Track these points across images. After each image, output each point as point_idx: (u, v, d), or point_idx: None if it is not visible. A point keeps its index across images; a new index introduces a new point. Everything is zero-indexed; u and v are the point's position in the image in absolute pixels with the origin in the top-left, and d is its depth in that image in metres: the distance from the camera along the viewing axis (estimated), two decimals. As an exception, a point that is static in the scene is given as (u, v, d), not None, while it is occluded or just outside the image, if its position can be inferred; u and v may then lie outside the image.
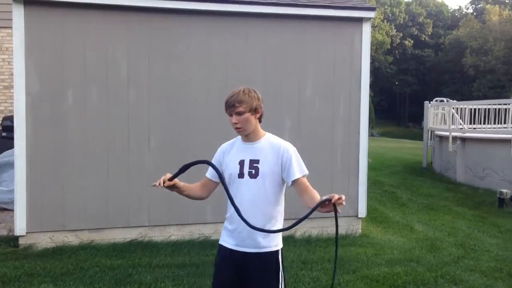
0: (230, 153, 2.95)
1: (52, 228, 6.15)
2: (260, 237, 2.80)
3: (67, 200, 6.15)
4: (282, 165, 2.82)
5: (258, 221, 2.74)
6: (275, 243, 2.85)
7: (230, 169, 2.89)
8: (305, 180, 2.83)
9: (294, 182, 2.79)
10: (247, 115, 2.79)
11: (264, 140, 2.88)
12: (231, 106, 2.79)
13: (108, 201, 6.29)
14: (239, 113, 2.77)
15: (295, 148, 2.88)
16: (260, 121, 2.88)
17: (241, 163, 2.85)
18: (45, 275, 5.05)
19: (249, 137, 2.87)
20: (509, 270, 5.60)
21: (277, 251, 2.86)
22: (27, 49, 5.96)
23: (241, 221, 2.67)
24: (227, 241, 2.90)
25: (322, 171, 6.96)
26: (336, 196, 2.47)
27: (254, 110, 2.81)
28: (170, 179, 2.90)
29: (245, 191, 2.82)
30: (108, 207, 6.30)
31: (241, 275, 2.83)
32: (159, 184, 2.85)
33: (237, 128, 2.83)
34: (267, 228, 2.78)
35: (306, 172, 2.84)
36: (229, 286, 2.88)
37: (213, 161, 3.00)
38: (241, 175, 2.84)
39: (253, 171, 2.82)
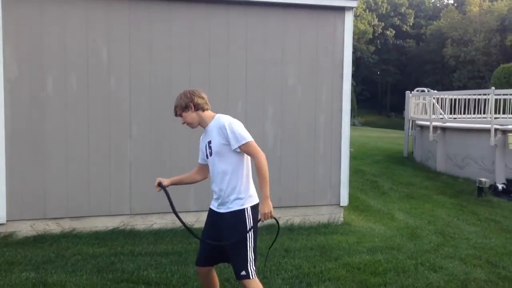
0: (202, 140, 3.66)
1: (33, 216, 6.08)
2: (217, 203, 3.52)
3: (47, 188, 6.08)
4: (226, 139, 3.40)
5: (225, 189, 3.45)
6: (241, 203, 3.44)
7: (201, 156, 3.68)
8: (245, 147, 3.40)
9: (237, 150, 3.41)
10: (184, 114, 3.52)
11: (212, 123, 3.52)
12: (174, 113, 3.58)
13: (89, 189, 6.23)
14: (179, 115, 3.54)
15: (232, 121, 3.45)
16: (202, 111, 3.52)
17: (206, 146, 3.56)
18: (26, 263, 5.00)
19: (202, 124, 3.57)
20: (487, 257, 5.71)
21: (243, 210, 3.44)
22: (5, 36, 5.84)
23: (219, 191, 3.48)
24: (212, 204, 3.62)
25: (305, 159, 6.98)
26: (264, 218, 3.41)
27: (185, 108, 3.49)
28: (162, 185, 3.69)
29: (212, 167, 3.54)
30: (90, 195, 6.24)
31: (217, 229, 3.52)
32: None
33: (187, 125, 3.59)
34: (236, 192, 3.44)
35: (244, 141, 3.38)
36: (209, 234, 3.59)
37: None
38: (208, 155, 3.55)
39: (210, 150, 3.51)
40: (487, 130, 10.66)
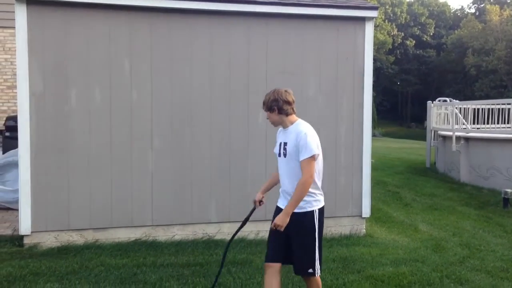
0: (278, 136, 3.94)
1: (57, 228, 6.15)
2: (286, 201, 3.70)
3: (71, 199, 6.15)
4: (298, 147, 3.64)
5: (290, 190, 3.70)
6: (303, 206, 3.69)
7: (276, 149, 3.90)
8: (305, 161, 3.61)
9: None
10: (267, 113, 3.82)
11: (293, 126, 3.77)
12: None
13: (112, 201, 6.28)
14: (265, 111, 3.83)
15: (310, 132, 3.70)
16: (286, 115, 3.77)
17: (281, 144, 3.82)
18: (51, 274, 5.04)
19: (282, 126, 3.85)
20: (514, 269, 5.58)
21: (312, 212, 3.72)
22: (30, 49, 5.95)
23: (285, 192, 3.80)
24: (279, 202, 3.90)
25: (326, 170, 6.91)
26: (273, 226, 3.67)
27: (270, 108, 3.76)
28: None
29: (281, 167, 3.82)
30: (112, 207, 6.29)
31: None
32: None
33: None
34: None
35: (308, 155, 3.60)
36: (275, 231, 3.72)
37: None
38: (281, 155, 3.80)
39: (284, 152, 3.76)
40: (512, 140, 10.48)
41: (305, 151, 3.59)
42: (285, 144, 3.74)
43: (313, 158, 3.60)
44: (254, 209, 4.09)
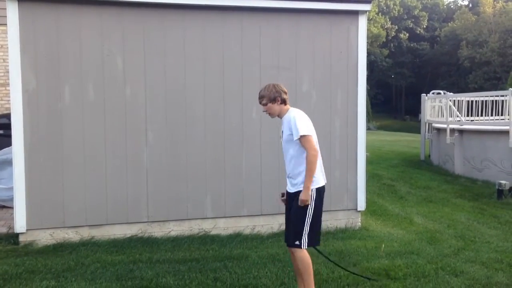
0: (282, 126, 4.24)
1: (52, 225, 6.14)
2: (289, 184, 4.17)
3: (66, 196, 6.14)
4: (291, 130, 3.99)
5: (292, 171, 4.09)
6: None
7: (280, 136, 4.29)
8: (301, 140, 3.96)
9: (297, 141, 3.98)
10: (269, 105, 4.13)
11: (286, 115, 4.14)
12: (258, 100, 4.19)
13: (107, 197, 6.28)
14: (264, 104, 4.15)
15: (297, 115, 4.02)
16: (284, 104, 4.13)
17: (282, 133, 4.20)
18: (47, 271, 5.03)
19: (279, 116, 4.18)
20: (509, 261, 5.60)
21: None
22: (22, 46, 5.92)
23: (289, 173, 4.15)
24: (287, 186, 4.25)
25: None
26: (300, 203, 3.98)
27: (273, 100, 4.10)
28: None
29: (283, 152, 4.19)
30: (107, 203, 6.28)
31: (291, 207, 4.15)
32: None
33: (267, 114, 4.20)
34: (301, 176, 4.01)
35: (300, 134, 3.94)
36: (287, 213, 4.26)
37: None
38: (282, 141, 4.19)
39: (282, 137, 4.16)
40: (506, 132, 10.53)
41: (300, 131, 3.92)
42: (283, 132, 4.14)
43: (308, 137, 3.93)
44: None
